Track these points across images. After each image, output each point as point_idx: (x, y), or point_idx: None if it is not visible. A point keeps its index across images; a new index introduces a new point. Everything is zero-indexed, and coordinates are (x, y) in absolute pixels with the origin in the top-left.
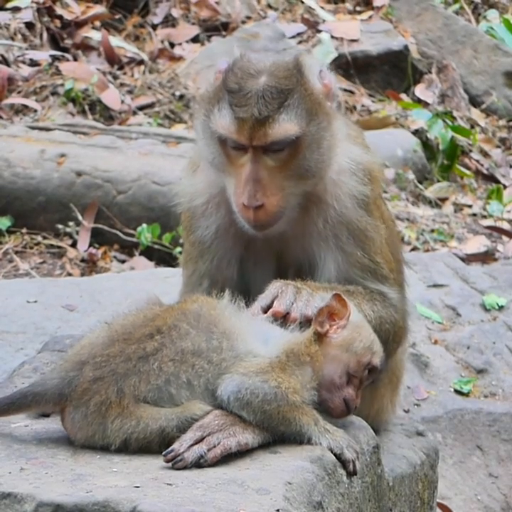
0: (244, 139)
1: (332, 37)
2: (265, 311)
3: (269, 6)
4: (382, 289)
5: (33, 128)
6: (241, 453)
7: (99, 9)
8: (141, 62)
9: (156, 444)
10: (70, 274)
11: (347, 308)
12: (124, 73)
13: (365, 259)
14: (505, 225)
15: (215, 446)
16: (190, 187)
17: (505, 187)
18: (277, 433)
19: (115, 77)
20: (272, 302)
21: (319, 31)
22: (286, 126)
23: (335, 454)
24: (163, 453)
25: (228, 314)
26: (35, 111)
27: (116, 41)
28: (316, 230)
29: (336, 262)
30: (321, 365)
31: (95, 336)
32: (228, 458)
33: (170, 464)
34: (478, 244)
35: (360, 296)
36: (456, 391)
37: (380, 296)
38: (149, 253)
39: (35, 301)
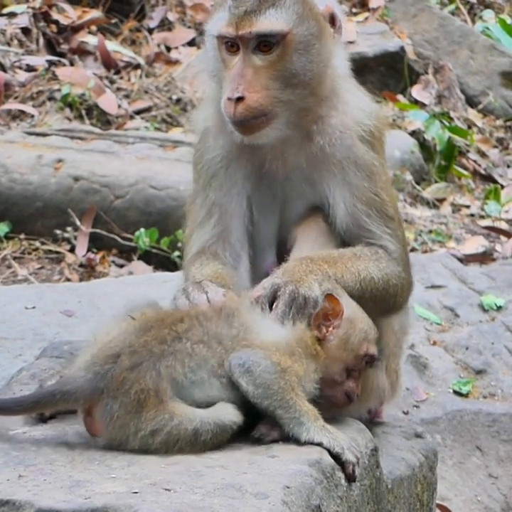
0: (232, 29)
1: None
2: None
3: None
4: (385, 242)
5: (30, 134)
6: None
7: (95, 14)
8: (137, 66)
9: (186, 444)
10: (68, 280)
11: (340, 307)
12: (121, 77)
13: (371, 194)
14: (503, 225)
15: None
16: (202, 113)
17: (502, 187)
18: (276, 417)
19: (112, 82)
20: (274, 296)
21: None
22: (272, 20)
23: (334, 454)
24: None
25: (245, 309)
26: (32, 116)
27: (112, 46)
28: (323, 159)
29: (343, 199)
30: (322, 362)
31: (123, 328)
32: (226, 462)
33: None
34: (476, 244)
35: (367, 258)
36: (455, 392)
37: (384, 252)
38: (147, 257)
39: (34, 307)
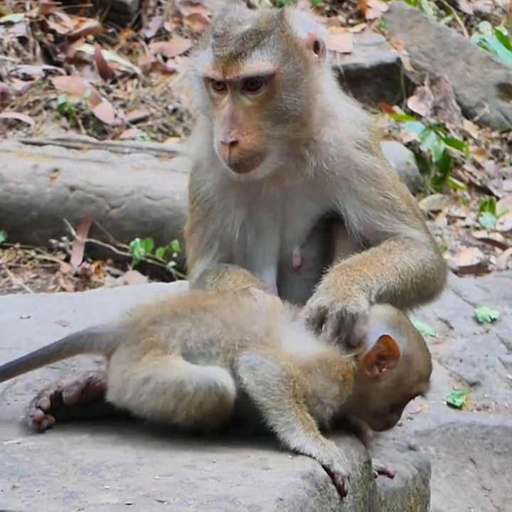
0: (219, 74)
1: None
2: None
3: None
4: (407, 232)
5: (26, 143)
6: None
7: (92, 23)
8: (134, 76)
9: (172, 397)
10: (63, 289)
11: (396, 349)
12: (117, 87)
13: (380, 197)
14: (498, 237)
15: None
16: (194, 143)
17: (498, 199)
18: (270, 417)
19: (108, 91)
20: (321, 319)
21: None
22: (259, 62)
23: (324, 466)
24: None
25: (276, 314)
26: (29, 125)
27: (109, 55)
28: (322, 177)
29: (354, 209)
30: (348, 391)
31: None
32: (220, 474)
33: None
34: (471, 256)
35: (398, 250)
36: (449, 404)
37: (410, 240)
38: (143, 268)
39: (29, 317)
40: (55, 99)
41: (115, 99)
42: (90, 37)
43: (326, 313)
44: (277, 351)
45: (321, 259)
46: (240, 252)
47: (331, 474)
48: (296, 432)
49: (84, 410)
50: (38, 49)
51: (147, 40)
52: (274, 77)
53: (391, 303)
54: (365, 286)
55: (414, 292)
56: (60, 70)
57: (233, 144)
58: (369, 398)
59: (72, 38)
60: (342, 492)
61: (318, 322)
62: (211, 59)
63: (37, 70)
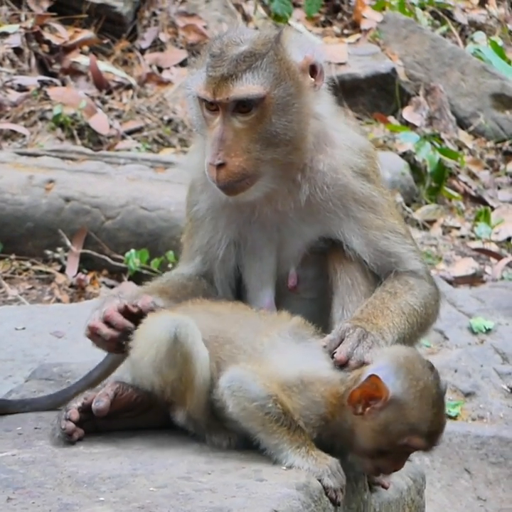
0: (209, 95)
1: None
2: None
3: (257, 29)
4: (410, 263)
5: (21, 154)
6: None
7: (87, 34)
8: (129, 86)
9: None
10: (58, 300)
11: (383, 391)
12: (113, 98)
13: (379, 221)
14: (493, 247)
15: None
16: (191, 163)
17: (493, 209)
18: (259, 440)
19: (103, 102)
20: (341, 339)
21: None
22: (249, 85)
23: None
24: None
25: (287, 336)
26: (24, 136)
27: (104, 66)
28: (317, 204)
29: (354, 232)
30: (330, 415)
31: None
32: (214, 486)
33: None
34: (466, 266)
35: (402, 292)
36: None
37: (412, 276)
38: (138, 278)
39: (24, 328)
40: (50, 110)
41: (110, 109)
42: (85, 48)
43: (347, 332)
44: (257, 369)
45: (318, 278)
46: (222, 270)
47: (323, 488)
48: (286, 452)
49: (111, 422)
50: (33, 60)
51: (142, 51)
52: (264, 100)
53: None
54: (380, 339)
55: (419, 330)
56: (55, 80)
57: (221, 165)
58: (354, 434)
59: (68, 49)
60: (335, 503)
61: (338, 343)
62: (204, 79)
63: (32, 80)
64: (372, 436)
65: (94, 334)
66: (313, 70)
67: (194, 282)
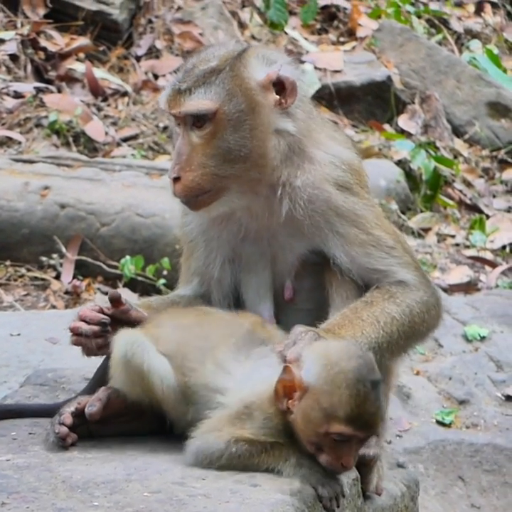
0: (166, 107)
1: (315, 68)
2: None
3: (253, 37)
4: (395, 274)
5: (17, 160)
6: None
7: (83, 41)
8: (125, 93)
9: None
10: (54, 307)
11: (298, 380)
12: (108, 105)
13: (363, 236)
14: (488, 255)
15: None
16: None
17: (488, 217)
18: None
19: (99, 109)
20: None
21: (303, 62)
22: (200, 100)
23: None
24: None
25: (241, 346)
26: (19, 143)
27: (100, 73)
28: (301, 219)
29: (338, 247)
30: (282, 421)
31: None
32: (208, 491)
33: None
34: (461, 274)
35: (380, 300)
36: (438, 422)
37: (397, 285)
38: (133, 285)
39: (19, 334)
40: (46, 117)
41: (106, 116)
42: (81, 55)
43: (299, 336)
44: (212, 421)
45: (315, 289)
46: (219, 290)
47: (318, 497)
48: (276, 470)
49: (104, 427)
50: (29, 67)
51: (138, 58)
52: (216, 115)
53: (379, 355)
54: None
55: (403, 339)
56: (51, 87)
57: (176, 179)
58: (294, 433)
59: (63, 56)
60: (329, 510)
61: (291, 346)
62: (166, 92)
63: (28, 87)
64: (301, 430)
65: (77, 335)
66: (280, 87)
67: (186, 300)
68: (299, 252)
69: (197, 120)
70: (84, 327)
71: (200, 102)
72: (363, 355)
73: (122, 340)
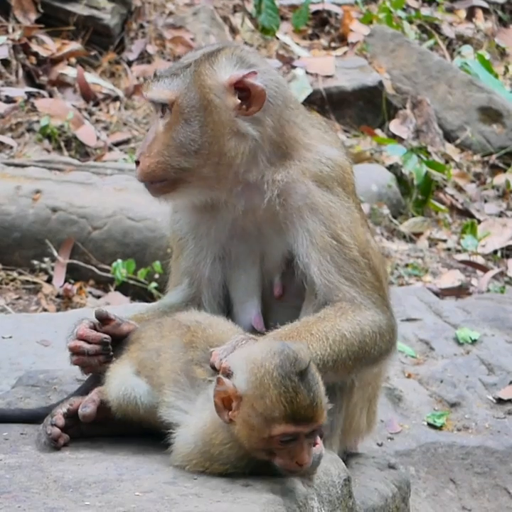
0: (142, 92)
1: (307, 73)
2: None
3: (245, 42)
4: (347, 291)
5: (8, 164)
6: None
7: (75, 46)
8: (116, 98)
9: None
10: (45, 310)
11: (230, 389)
12: (100, 109)
13: (328, 238)
14: (480, 260)
15: None
16: None
17: (479, 222)
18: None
19: (91, 114)
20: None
21: (294, 67)
22: (160, 89)
23: None
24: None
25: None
26: (11, 147)
27: (91, 78)
28: (283, 214)
29: (303, 248)
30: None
31: None
32: (200, 490)
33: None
34: (452, 278)
35: (332, 317)
36: (430, 424)
37: (348, 302)
38: (124, 288)
39: (10, 337)
40: (38, 122)
41: (97, 121)
42: (73, 59)
43: (240, 343)
44: (185, 457)
45: (303, 285)
46: (209, 288)
47: None
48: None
49: (96, 428)
50: (21, 71)
51: (130, 63)
52: (172, 106)
53: (324, 373)
54: None
55: (352, 360)
56: (42, 92)
57: (137, 163)
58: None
59: (55, 61)
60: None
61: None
62: (143, 83)
63: (19, 92)
64: (247, 439)
65: (77, 354)
66: (244, 91)
67: (175, 309)
68: (286, 248)
69: (160, 109)
70: (86, 346)
71: (161, 90)
72: (283, 349)
73: (115, 382)
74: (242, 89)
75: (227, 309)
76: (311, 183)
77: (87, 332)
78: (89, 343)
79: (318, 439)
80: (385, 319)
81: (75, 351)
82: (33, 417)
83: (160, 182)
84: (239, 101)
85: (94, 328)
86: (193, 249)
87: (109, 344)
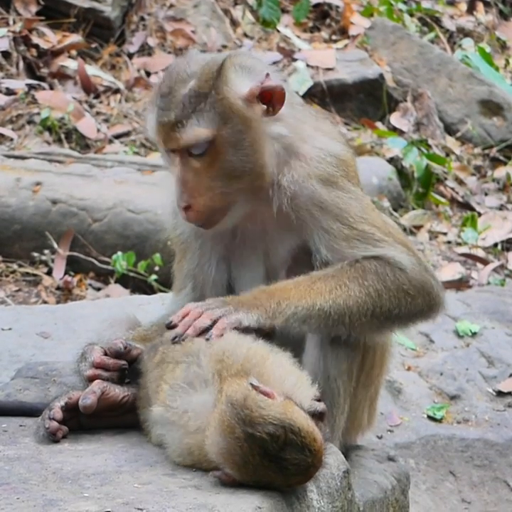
0: (161, 143)
1: (308, 66)
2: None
3: (245, 35)
4: (379, 252)
5: (8, 156)
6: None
7: (76, 38)
8: (117, 90)
9: None
10: (45, 302)
11: None
12: (100, 102)
13: (346, 230)
14: (480, 253)
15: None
16: (168, 190)
17: (479, 214)
18: None
19: (91, 106)
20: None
21: (295, 60)
22: (196, 129)
23: None
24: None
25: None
26: (12, 139)
27: (92, 70)
28: (290, 213)
29: (321, 240)
30: None
31: None
32: (199, 482)
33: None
34: (452, 271)
35: (342, 275)
36: (429, 417)
37: (376, 261)
38: (125, 281)
39: (10, 329)
40: (38, 114)
41: (98, 113)
42: (73, 52)
43: (211, 308)
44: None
45: None
46: (213, 289)
47: None
48: None
49: (95, 420)
50: (21, 64)
51: (130, 55)
52: (215, 141)
53: (329, 326)
54: (266, 309)
55: (371, 317)
56: (43, 84)
57: (187, 207)
58: None
59: (56, 53)
60: None
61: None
62: (155, 124)
63: (20, 84)
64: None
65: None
66: (266, 95)
67: None
68: (290, 247)
69: (195, 148)
70: (105, 374)
71: (197, 132)
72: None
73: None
74: (263, 94)
75: None
76: (316, 182)
77: (104, 360)
78: (107, 370)
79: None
80: (423, 278)
81: (91, 379)
82: (32, 411)
83: (215, 214)
84: (264, 106)
85: (105, 353)
86: (197, 252)
87: (126, 370)
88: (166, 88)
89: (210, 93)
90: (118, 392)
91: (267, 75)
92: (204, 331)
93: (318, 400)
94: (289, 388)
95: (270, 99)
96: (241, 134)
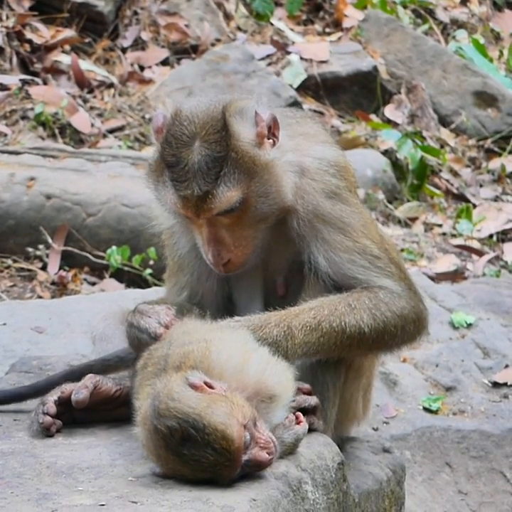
0: (192, 214)
1: (301, 58)
2: None
3: (239, 28)
4: (378, 280)
5: (2, 152)
6: None
7: (69, 33)
8: (110, 85)
9: None
10: (40, 297)
11: None
12: (94, 97)
13: (348, 243)
14: (475, 244)
15: None
16: (162, 212)
17: (474, 206)
18: None
19: (85, 101)
20: None
21: (288, 53)
22: (227, 196)
23: None
24: None
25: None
26: (5, 135)
27: (85, 65)
28: (294, 232)
29: (322, 252)
30: None
31: None
32: None
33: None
34: (447, 263)
35: (338, 303)
36: (425, 409)
37: (379, 290)
38: (119, 275)
39: (4, 324)
40: (32, 109)
41: (92, 108)
42: (67, 47)
43: None
44: None
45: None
46: (214, 301)
47: None
48: None
49: (89, 414)
50: (15, 59)
51: (124, 50)
52: (245, 197)
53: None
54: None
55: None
56: (36, 79)
57: (227, 262)
58: None
59: (49, 48)
60: None
61: None
62: (177, 199)
63: (13, 79)
64: None
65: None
66: (269, 130)
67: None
68: (291, 255)
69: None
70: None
71: (228, 197)
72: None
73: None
74: (268, 131)
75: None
76: (320, 196)
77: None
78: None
79: (302, 417)
80: (416, 307)
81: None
82: (16, 397)
83: (249, 257)
84: (271, 141)
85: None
86: (196, 266)
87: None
88: (171, 157)
89: (228, 155)
90: (110, 385)
91: (256, 113)
92: None
93: (310, 394)
94: (252, 383)
95: (273, 130)
96: (267, 181)
